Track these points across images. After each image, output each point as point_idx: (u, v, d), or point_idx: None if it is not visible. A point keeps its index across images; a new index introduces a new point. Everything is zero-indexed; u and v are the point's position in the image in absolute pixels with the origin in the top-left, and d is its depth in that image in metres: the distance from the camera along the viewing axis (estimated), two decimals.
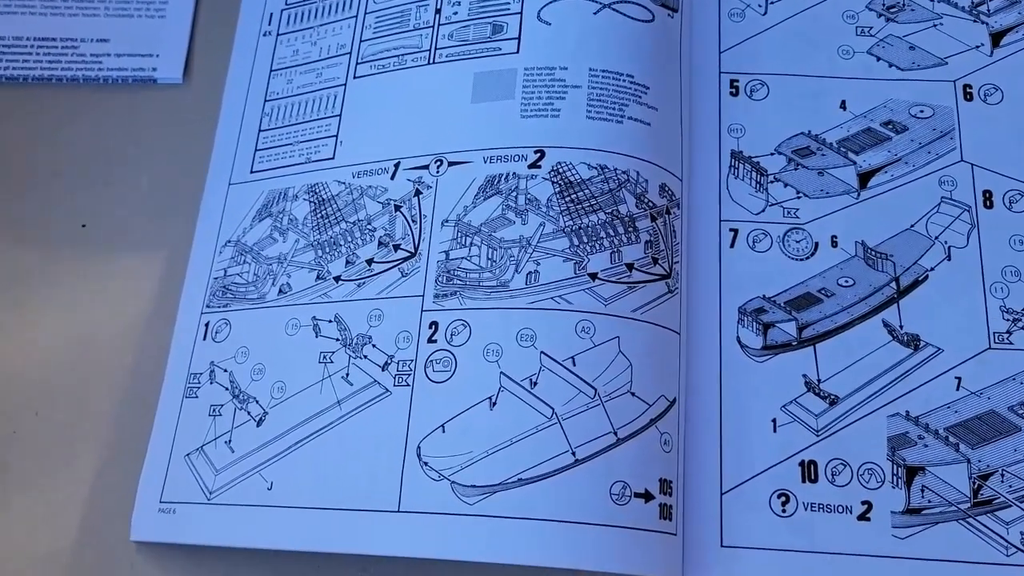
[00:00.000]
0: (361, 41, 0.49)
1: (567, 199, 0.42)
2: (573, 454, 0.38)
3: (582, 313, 0.40)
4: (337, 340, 0.43)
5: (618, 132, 0.43)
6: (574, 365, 0.39)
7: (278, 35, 0.51)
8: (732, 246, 0.45)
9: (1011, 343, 0.43)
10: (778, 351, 0.43)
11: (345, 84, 0.48)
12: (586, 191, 0.42)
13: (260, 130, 0.50)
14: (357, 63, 0.48)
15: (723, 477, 0.41)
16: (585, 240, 0.41)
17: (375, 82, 0.47)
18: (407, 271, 0.43)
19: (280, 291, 0.45)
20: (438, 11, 0.47)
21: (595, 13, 0.45)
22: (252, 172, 0.49)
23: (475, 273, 0.42)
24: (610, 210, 0.42)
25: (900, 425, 0.42)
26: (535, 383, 0.39)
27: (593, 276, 0.41)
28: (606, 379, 0.39)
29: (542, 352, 0.39)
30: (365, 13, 0.49)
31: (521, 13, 0.46)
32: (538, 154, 0.43)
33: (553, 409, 0.39)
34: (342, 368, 0.42)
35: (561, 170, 0.42)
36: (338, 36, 0.49)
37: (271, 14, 0.52)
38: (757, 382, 0.43)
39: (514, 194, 0.42)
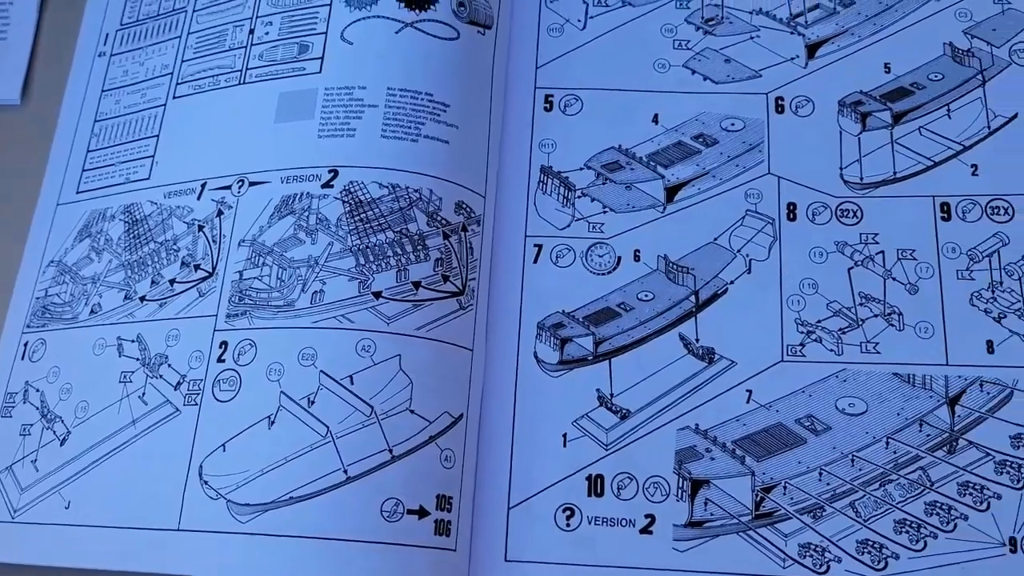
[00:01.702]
0: (183, 61, 0.49)
1: (356, 218, 0.42)
2: (345, 472, 0.39)
3: (363, 332, 0.41)
4: (137, 360, 0.43)
5: (413, 151, 0.43)
6: (352, 383, 0.40)
7: (111, 55, 0.52)
8: (535, 261, 0.45)
9: (803, 355, 0.43)
10: (574, 366, 0.44)
11: (165, 104, 0.49)
12: (375, 210, 0.42)
13: (88, 150, 0.50)
14: (177, 83, 0.49)
15: (511, 492, 0.42)
16: (371, 259, 0.42)
17: (191, 102, 0.48)
18: (204, 291, 0.43)
19: (92, 311, 0.46)
20: (251, 31, 0.48)
21: (397, 32, 0.45)
22: (78, 192, 0.49)
23: (265, 293, 0.42)
24: (399, 229, 0.42)
25: (689, 439, 0.42)
26: (312, 402, 0.40)
27: (377, 295, 0.41)
28: (384, 397, 0.40)
29: (321, 371, 0.40)
30: (188, 33, 0.50)
31: (326, 33, 0.46)
32: (332, 173, 0.43)
33: (328, 427, 0.39)
34: (139, 388, 0.43)
35: (352, 189, 0.43)
36: (163, 56, 0.50)
37: (107, 35, 0.53)
38: (551, 397, 0.43)
39: (306, 214, 0.43)
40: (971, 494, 0.40)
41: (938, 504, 0.40)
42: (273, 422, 0.40)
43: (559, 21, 0.50)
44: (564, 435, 0.42)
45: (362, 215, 0.42)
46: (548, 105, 0.48)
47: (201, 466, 0.40)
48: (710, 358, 0.43)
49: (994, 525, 0.40)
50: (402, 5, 0.46)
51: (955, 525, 0.40)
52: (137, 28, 0.52)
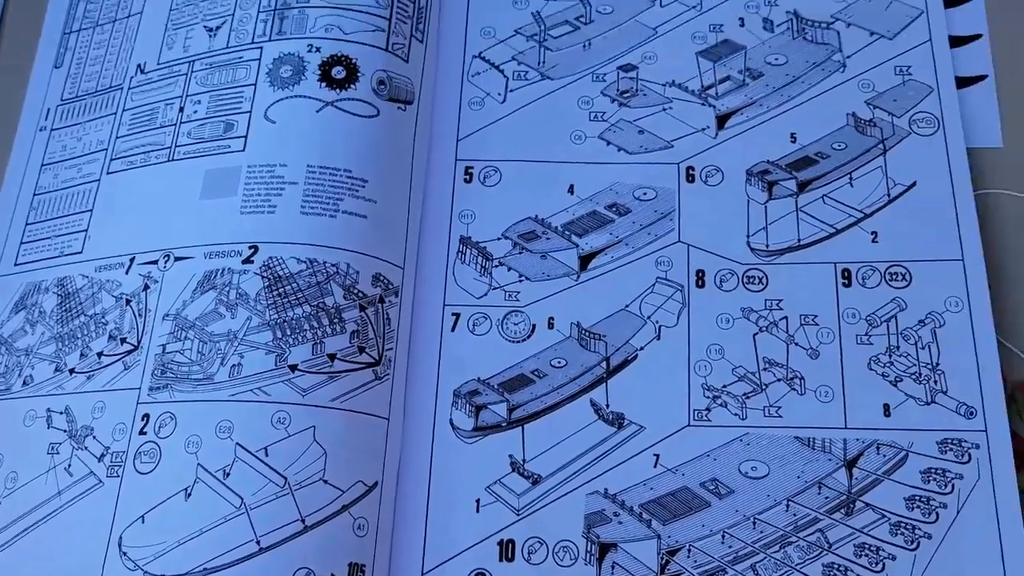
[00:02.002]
0: (117, 138, 0.51)
1: (274, 293, 0.44)
2: (257, 543, 0.40)
3: (279, 404, 0.42)
4: (65, 431, 0.45)
5: (330, 226, 0.45)
6: (267, 455, 0.41)
7: (51, 130, 0.54)
8: (453, 330, 0.47)
9: (709, 420, 0.44)
10: (488, 432, 0.45)
11: (99, 180, 0.50)
12: (293, 285, 0.44)
13: (27, 223, 0.52)
14: (111, 159, 0.51)
15: (425, 557, 0.43)
16: (288, 333, 0.43)
17: (123, 178, 0.50)
18: (129, 364, 0.45)
19: (24, 383, 0.47)
20: (181, 109, 0.50)
21: (317, 111, 0.47)
22: (16, 265, 0.51)
23: (186, 367, 0.43)
24: (316, 303, 0.44)
25: (598, 503, 0.43)
26: (228, 474, 0.41)
27: (293, 367, 0.43)
28: (298, 468, 0.41)
29: (237, 443, 0.41)
30: (123, 110, 0.52)
31: (251, 112, 0.48)
32: (252, 249, 0.45)
33: (242, 499, 0.40)
34: (66, 459, 0.44)
35: (271, 265, 0.44)
36: (99, 132, 0.52)
37: (48, 109, 0.55)
38: (465, 463, 0.44)
39: (227, 289, 0.44)
40: (867, 555, 0.41)
41: (835, 566, 0.41)
42: (190, 494, 0.41)
43: (480, 95, 0.52)
44: (477, 501, 0.44)
45: (280, 290, 0.44)
46: (468, 177, 0.50)
47: (121, 537, 0.41)
48: (619, 423, 0.45)
49: None
50: (323, 85, 0.48)
51: None
52: (77, 104, 0.54)
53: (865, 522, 0.42)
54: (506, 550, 0.43)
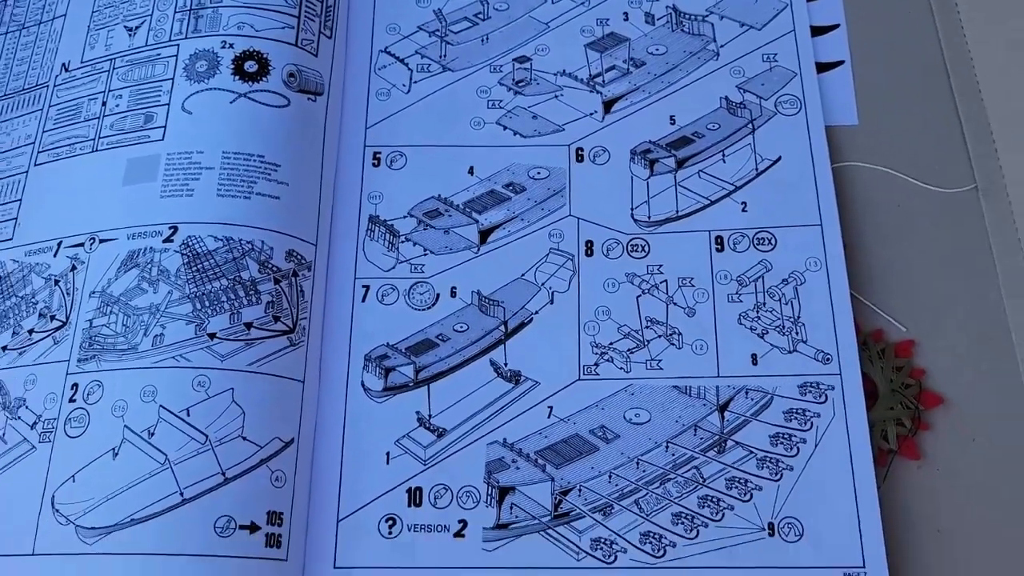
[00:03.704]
0: (43, 132, 0.54)
1: (194, 269, 0.48)
2: (181, 494, 0.43)
3: (199, 369, 0.46)
4: None
5: (245, 207, 0.49)
6: (188, 416, 0.45)
7: None
8: (364, 300, 0.51)
9: (597, 374, 0.49)
10: (397, 392, 0.49)
11: (27, 171, 0.53)
12: (211, 261, 0.48)
13: None
14: (39, 152, 0.54)
15: (340, 506, 0.47)
16: (207, 304, 0.47)
17: (50, 169, 0.53)
18: (59, 339, 0.48)
19: None
20: (104, 104, 0.53)
21: (231, 102, 0.51)
22: None
23: (112, 338, 0.47)
24: (232, 276, 0.48)
25: (497, 452, 0.48)
26: (152, 434, 0.44)
27: (212, 336, 0.46)
28: (218, 426, 0.45)
29: (160, 406, 0.45)
30: (49, 106, 0.55)
31: (169, 104, 0.51)
32: (172, 230, 0.48)
33: (166, 455, 0.44)
34: (0, 429, 0.47)
35: (190, 243, 0.48)
36: (27, 127, 0.55)
37: None
38: (376, 421, 0.48)
39: (149, 266, 0.48)
40: (737, 487, 0.46)
41: (709, 498, 0.46)
42: (117, 454, 0.44)
43: (386, 86, 0.56)
44: (387, 454, 0.48)
45: (199, 266, 0.48)
46: (376, 161, 0.54)
47: (53, 496, 0.44)
48: (516, 380, 0.49)
49: (756, 513, 0.46)
50: (236, 78, 0.51)
51: (723, 515, 0.46)
52: (6, 102, 0.57)
53: (735, 458, 0.47)
54: (414, 496, 0.47)
